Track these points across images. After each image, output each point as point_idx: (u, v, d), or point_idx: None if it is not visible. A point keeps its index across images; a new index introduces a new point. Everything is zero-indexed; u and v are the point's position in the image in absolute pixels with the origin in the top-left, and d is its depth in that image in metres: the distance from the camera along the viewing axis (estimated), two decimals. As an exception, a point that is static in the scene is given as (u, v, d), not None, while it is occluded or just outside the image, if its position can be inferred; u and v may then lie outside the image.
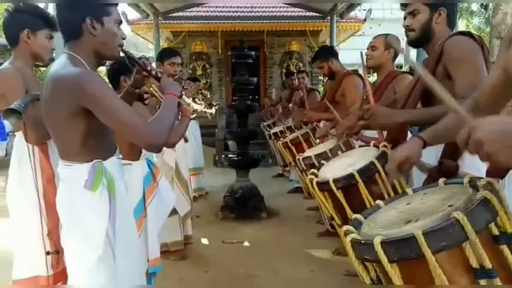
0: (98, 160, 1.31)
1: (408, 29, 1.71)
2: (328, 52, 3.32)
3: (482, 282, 0.73)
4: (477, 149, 0.72)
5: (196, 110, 1.62)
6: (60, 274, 1.85)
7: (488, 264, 0.72)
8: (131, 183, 1.80)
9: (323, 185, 1.54)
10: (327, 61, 3.20)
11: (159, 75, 1.47)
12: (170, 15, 8.00)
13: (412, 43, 1.74)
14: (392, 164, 1.24)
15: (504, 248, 0.76)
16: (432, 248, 0.73)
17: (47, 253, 1.77)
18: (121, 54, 1.42)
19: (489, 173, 1.09)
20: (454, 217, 0.72)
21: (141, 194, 1.96)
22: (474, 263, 0.73)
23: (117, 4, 1.37)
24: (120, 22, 1.37)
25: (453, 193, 0.88)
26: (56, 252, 1.79)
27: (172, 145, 2.12)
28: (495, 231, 0.76)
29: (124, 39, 1.39)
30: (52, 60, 2.03)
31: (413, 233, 0.74)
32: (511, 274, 0.76)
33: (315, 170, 1.73)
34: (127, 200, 1.45)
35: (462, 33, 1.61)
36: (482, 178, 0.85)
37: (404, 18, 1.74)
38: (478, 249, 0.72)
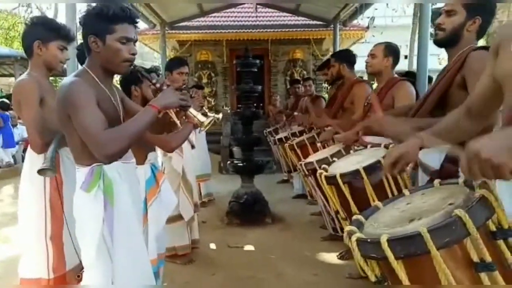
0: (99, 164, 1.38)
1: (438, 27, 1.70)
2: (344, 56, 3.34)
3: (483, 275, 0.77)
4: (487, 168, 0.72)
5: (202, 123, 1.67)
6: (61, 279, 1.92)
7: (488, 258, 0.76)
8: None
9: (331, 179, 1.62)
10: (340, 63, 3.24)
11: (164, 87, 1.54)
12: (176, 25, 8.13)
13: (437, 42, 1.74)
14: (386, 160, 1.22)
15: (501, 243, 0.80)
16: (437, 244, 0.76)
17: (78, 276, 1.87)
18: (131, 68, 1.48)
19: None
20: (456, 214, 0.76)
21: (143, 196, 2.01)
22: (475, 258, 0.77)
23: (127, 22, 1.40)
24: (128, 39, 1.40)
25: (452, 193, 0.92)
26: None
27: (171, 150, 2.18)
28: (493, 227, 0.80)
29: (134, 55, 1.43)
30: (64, 70, 2.12)
31: (419, 230, 0.77)
32: (508, 267, 0.80)
33: (326, 166, 1.81)
34: (130, 203, 1.47)
35: (486, 47, 1.61)
36: None
37: (440, 15, 1.72)
38: (478, 244, 0.76)
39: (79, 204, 1.40)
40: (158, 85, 1.55)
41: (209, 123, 1.70)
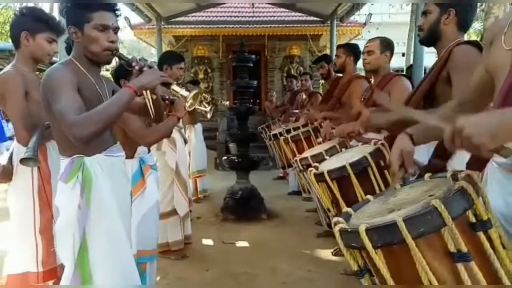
0: (80, 155, 1.38)
1: (419, 28, 1.79)
2: (352, 49, 3.26)
3: (459, 265, 0.78)
4: (460, 137, 0.76)
5: (186, 97, 1.59)
6: (52, 273, 1.89)
7: (464, 248, 0.77)
8: None
9: (319, 176, 1.64)
10: (347, 55, 3.16)
11: (144, 69, 1.46)
12: (173, 19, 8.09)
13: (421, 42, 1.82)
14: (394, 167, 1.15)
15: (481, 234, 0.80)
16: (412, 233, 0.77)
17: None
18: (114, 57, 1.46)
19: (468, 166, 1.14)
20: (432, 204, 0.77)
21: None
22: (452, 248, 0.77)
23: (104, 9, 1.38)
24: (105, 27, 1.38)
25: (435, 185, 0.93)
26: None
27: (147, 144, 2.11)
28: (472, 219, 0.80)
29: (112, 42, 1.40)
30: (52, 63, 2.08)
31: (395, 219, 0.78)
32: (487, 259, 0.80)
33: (317, 164, 1.83)
34: (110, 197, 1.44)
35: (469, 42, 1.65)
36: (463, 170, 0.90)
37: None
38: (455, 234, 0.77)
39: (58, 194, 1.41)
40: (137, 68, 1.46)
41: (193, 96, 1.63)
